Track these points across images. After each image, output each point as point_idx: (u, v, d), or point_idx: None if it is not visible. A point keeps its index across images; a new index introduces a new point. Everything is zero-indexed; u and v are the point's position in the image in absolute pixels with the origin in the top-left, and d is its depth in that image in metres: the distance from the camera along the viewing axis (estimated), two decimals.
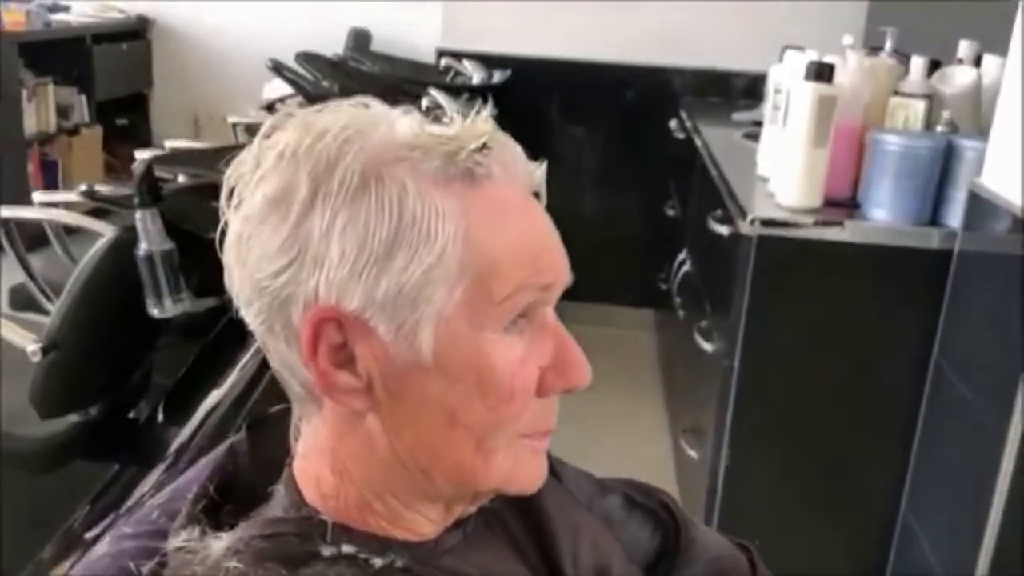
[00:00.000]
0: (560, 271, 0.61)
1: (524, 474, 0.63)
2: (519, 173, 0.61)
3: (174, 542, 0.61)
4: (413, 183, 0.56)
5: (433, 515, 0.63)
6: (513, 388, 0.58)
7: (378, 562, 0.59)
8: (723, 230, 1.98)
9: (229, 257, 0.59)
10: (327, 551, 0.59)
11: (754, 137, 2.42)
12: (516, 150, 0.61)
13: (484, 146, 0.58)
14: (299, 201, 0.56)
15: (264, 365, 1.71)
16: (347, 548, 0.59)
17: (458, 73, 3.35)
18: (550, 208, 0.63)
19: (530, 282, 0.58)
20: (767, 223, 1.76)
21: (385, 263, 0.55)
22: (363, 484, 0.61)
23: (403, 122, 0.59)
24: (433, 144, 0.57)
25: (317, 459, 0.62)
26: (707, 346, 2.05)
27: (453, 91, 2.91)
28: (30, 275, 2.11)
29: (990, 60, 1.96)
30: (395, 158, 0.57)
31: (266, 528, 0.60)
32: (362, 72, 3.22)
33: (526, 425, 0.61)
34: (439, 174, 0.57)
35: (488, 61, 3.38)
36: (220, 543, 0.59)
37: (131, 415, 1.86)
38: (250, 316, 0.59)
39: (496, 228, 0.57)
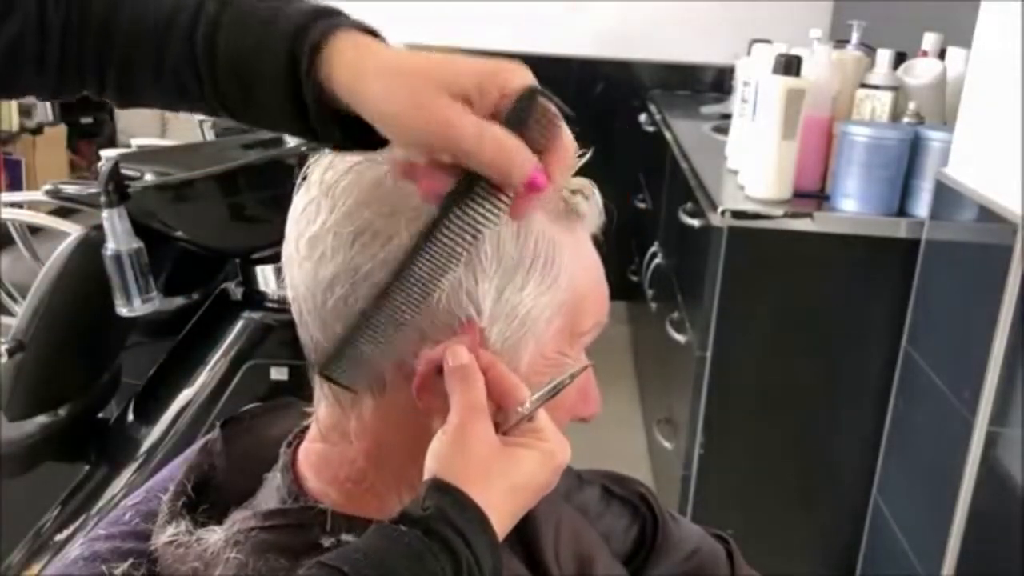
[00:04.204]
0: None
1: None
2: (594, 218, 0.65)
3: (162, 537, 0.61)
4: (536, 214, 0.59)
5: None
6: (574, 401, 0.64)
7: None
8: (694, 222, 1.99)
9: (333, 239, 0.57)
10: (327, 541, 0.58)
11: (723, 130, 2.43)
12: (598, 197, 0.65)
13: (584, 190, 0.62)
14: None
15: (235, 364, 1.72)
16: (347, 536, 0.58)
17: None
18: None
19: (599, 320, 0.64)
20: (737, 215, 1.77)
21: (510, 278, 0.58)
22: (399, 474, 0.61)
23: None
24: None
25: (348, 445, 0.61)
26: (680, 337, 2.06)
27: None
28: None
29: (954, 52, 1.99)
30: None
31: (266, 520, 0.60)
32: None
33: None
34: (553, 209, 0.60)
35: None
36: (215, 535, 0.59)
37: (101, 415, 1.84)
38: (328, 296, 0.57)
39: (586, 267, 0.63)
